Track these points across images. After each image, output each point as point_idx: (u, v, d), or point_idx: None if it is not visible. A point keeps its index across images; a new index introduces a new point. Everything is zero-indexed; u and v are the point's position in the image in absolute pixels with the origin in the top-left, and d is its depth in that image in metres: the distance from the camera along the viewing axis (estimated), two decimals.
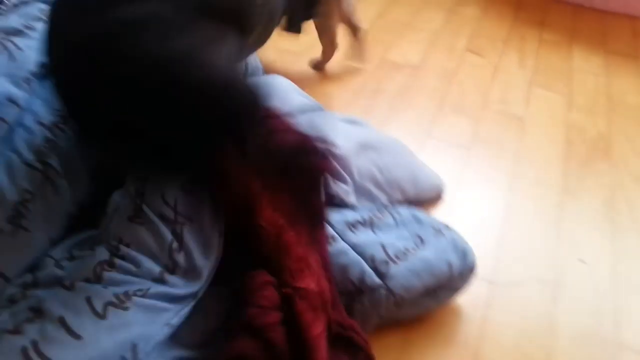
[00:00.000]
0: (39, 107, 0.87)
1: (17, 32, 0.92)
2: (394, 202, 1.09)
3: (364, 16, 1.98)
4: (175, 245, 0.82)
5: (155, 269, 0.80)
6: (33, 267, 0.81)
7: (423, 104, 1.53)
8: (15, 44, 0.90)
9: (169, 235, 0.82)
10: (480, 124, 1.48)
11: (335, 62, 1.66)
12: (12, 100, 0.85)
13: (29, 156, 0.83)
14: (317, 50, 1.71)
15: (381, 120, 1.44)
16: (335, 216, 0.98)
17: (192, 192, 0.86)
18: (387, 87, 1.59)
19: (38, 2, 1.01)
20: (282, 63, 1.53)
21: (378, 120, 1.44)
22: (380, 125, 1.42)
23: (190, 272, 0.82)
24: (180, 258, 0.82)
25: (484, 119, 1.50)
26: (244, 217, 0.87)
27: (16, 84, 0.87)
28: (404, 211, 1.04)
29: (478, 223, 1.17)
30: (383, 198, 1.07)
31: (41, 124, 0.85)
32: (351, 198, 1.02)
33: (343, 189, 1.01)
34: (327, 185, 0.99)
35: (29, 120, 0.85)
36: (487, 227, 1.17)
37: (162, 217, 0.83)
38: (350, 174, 1.04)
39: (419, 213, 1.04)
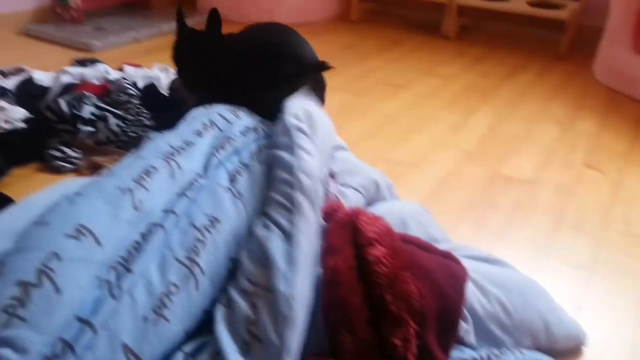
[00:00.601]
0: (193, 211, 0.99)
1: (178, 151, 1.08)
2: (521, 347, 1.02)
3: (475, 129, 2.03)
4: None
5: None
6: (166, 358, 0.87)
7: (539, 220, 1.50)
8: (177, 163, 1.05)
9: None
10: (602, 244, 1.41)
11: (446, 173, 1.68)
12: (170, 211, 0.98)
13: (180, 253, 0.93)
14: (429, 162, 1.76)
15: (494, 236, 1.42)
16: (452, 353, 0.94)
17: None
18: (501, 202, 1.58)
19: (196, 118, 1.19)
20: (396, 174, 1.58)
21: (490, 236, 1.42)
22: (493, 241, 1.40)
23: None
24: None
25: (605, 239, 1.43)
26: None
27: (175, 195, 1.01)
28: (528, 352, 0.98)
29: (600, 355, 1.09)
30: (508, 342, 1.01)
31: (194, 226, 0.97)
32: (470, 337, 0.98)
33: (463, 328, 0.97)
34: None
35: (183, 223, 0.97)
36: None
37: None
38: (473, 312, 1.00)
39: (544, 357, 0.98)
